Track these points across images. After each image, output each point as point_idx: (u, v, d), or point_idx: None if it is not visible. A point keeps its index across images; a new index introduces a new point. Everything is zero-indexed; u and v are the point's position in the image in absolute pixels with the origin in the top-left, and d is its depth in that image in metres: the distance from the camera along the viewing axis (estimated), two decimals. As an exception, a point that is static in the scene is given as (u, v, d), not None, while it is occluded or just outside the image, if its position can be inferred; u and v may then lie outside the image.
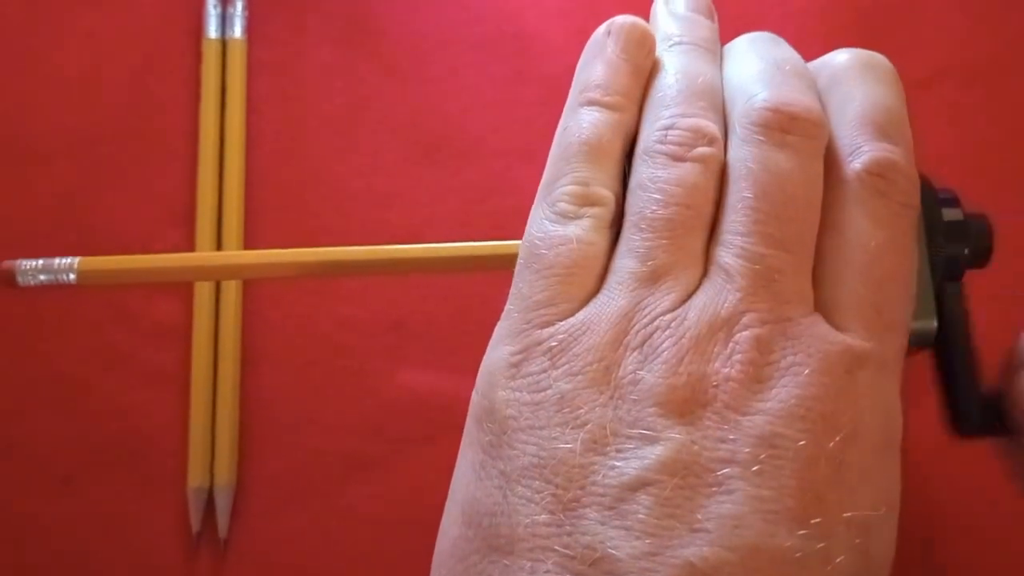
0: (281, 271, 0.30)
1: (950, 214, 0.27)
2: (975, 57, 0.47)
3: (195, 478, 0.44)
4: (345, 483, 0.44)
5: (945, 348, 0.28)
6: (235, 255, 0.30)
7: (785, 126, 0.23)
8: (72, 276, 0.30)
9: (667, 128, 0.24)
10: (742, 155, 0.23)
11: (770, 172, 0.23)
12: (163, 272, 0.31)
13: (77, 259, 0.30)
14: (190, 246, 0.46)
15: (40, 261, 0.30)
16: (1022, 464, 0.31)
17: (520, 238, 0.25)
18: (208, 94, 0.47)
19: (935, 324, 0.26)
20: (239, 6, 0.48)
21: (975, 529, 0.42)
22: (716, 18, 0.28)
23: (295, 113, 0.48)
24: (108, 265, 0.30)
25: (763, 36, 0.27)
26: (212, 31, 0.48)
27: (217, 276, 0.30)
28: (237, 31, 0.48)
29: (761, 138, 0.23)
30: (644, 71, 0.26)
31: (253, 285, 0.46)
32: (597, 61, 0.26)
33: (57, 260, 0.30)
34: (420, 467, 0.44)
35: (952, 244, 0.27)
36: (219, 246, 0.46)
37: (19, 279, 0.30)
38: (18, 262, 0.30)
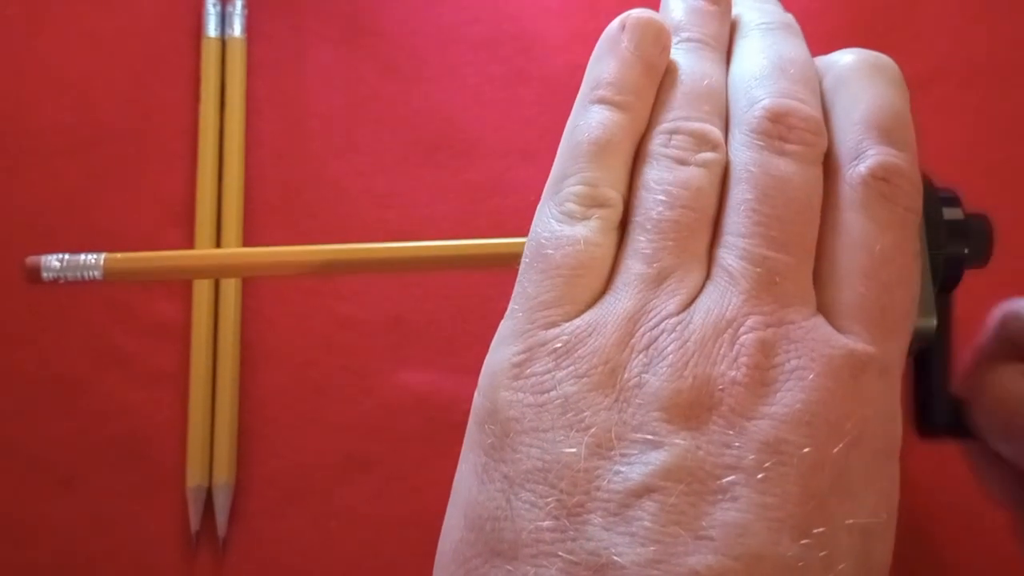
0: (311, 263, 0.29)
1: (951, 213, 0.27)
2: (975, 57, 0.47)
3: (194, 477, 0.44)
4: (345, 483, 0.44)
5: (926, 349, 0.28)
6: (261, 251, 0.30)
7: (784, 134, 0.23)
8: (98, 272, 0.29)
9: (671, 132, 0.24)
10: (743, 159, 0.23)
11: (770, 176, 0.23)
12: (190, 268, 0.31)
13: (103, 255, 0.30)
14: (189, 246, 0.46)
15: (66, 256, 0.29)
16: (986, 467, 0.31)
17: (521, 238, 0.25)
18: (208, 93, 0.47)
19: (934, 323, 0.26)
20: (238, 5, 0.48)
21: (973, 532, 0.42)
22: (729, 0, 0.28)
23: (295, 113, 0.48)
24: (134, 261, 0.30)
25: (776, 26, 0.26)
26: (211, 30, 0.48)
27: (243, 272, 0.30)
28: (236, 30, 0.48)
29: (761, 144, 0.23)
30: (658, 69, 0.25)
31: (253, 284, 0.46)
32: (610, 57, 0.25)
33: (83, 256, 0.29)
34: (420, 467, 0.44)
35: (952, 243, 0.27)
36: (218, 246, 0.46)
37: (44, 274, 0.30)
38: (43, 257, 0.30)
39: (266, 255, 0.30)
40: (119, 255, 0.30)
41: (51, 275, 0.30)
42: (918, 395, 0.28)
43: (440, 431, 0.44)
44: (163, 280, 0.44)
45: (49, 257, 0.30)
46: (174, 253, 0.31)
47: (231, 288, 0.45)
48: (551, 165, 0.25)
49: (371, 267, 0.30)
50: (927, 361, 0.28)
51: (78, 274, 0.29)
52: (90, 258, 0.29)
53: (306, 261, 0.30)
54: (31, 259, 0.30)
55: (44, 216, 0.46)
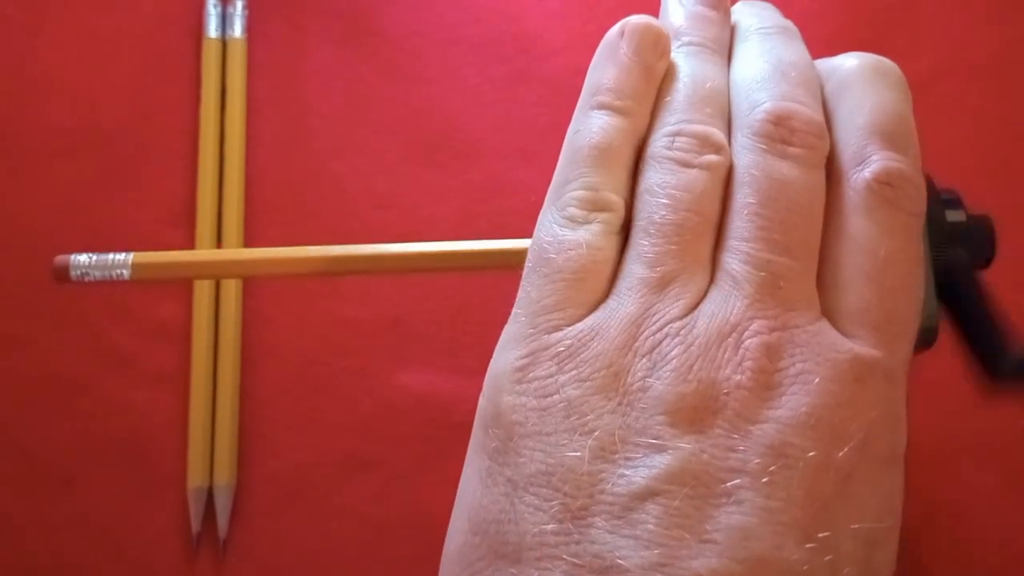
0: (324, 259, 0.29)
1: (953, 215, 0.27)
2: (975, 57, 0.47)
3: (195, 478, 0.44)
4: (345, 483, 0.44)
5: (958, 302, 0.27)
6: (286, 251, 0.30)
7: (786, 137, 0.23)
8: (126, 272, 0.29)
9: (674, 134, 0.24)
10: (746, 162, 0.23)
11: (773, 179, 0.23)
12: (217, 266, 0.31)
13: (131, 254, 0.30)
14: (190, 247, 0.46)
15: (94, 256, 0.29)
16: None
17: (521, 238, 0.25)
18: (208, 94, 0.47)
19: (937, 325, 0.26)
20: (239, 6, 0.48)
21: (974, 538, 0.42)
22: (728, 6, 0.28)
23: (295, 113, 0.48)
24: (161, 259, 0.30)
25: (775, 30, 0.26)
26: (212, 31, 0.48)
27: (269, 271, 0.30)
28: (237, 31, 0.48)
29: (763, 147, 0.23)
30: (657, 74, 0.25)
31: (253, 285, 0.46)
32: (609, 63, 0.26)
33: (111, 256, 0.29)
34: (420, 467, 0.44)
35: (955, 245, 0.27)
36: (219, 247, 0.46)
37: (72, 273, 0.30)
38: (72, 256, 0.30)
39: (291, 253, 0.31)
40: (147, 254, 0.30)
41: (79, 274, 0.30)
42: (973, 344, 0.27)
43: (440, 431, 0.44)
44: (190, 279, 0.44)
45: (78, 256, 0.30)
46: (202, 252, 0.31)
47: (231, 288, 0.45)
48: (552, 166, 0.25)
49: (381, 266, 0.30)
50: (968, 310, 0.27)
51: (107, 273, 0.29)
52: (118, 257, 0.29)
53: (323, 257, 0.30)
54: (60, 258, 0.30)
55: (44, 217, 0.46)
